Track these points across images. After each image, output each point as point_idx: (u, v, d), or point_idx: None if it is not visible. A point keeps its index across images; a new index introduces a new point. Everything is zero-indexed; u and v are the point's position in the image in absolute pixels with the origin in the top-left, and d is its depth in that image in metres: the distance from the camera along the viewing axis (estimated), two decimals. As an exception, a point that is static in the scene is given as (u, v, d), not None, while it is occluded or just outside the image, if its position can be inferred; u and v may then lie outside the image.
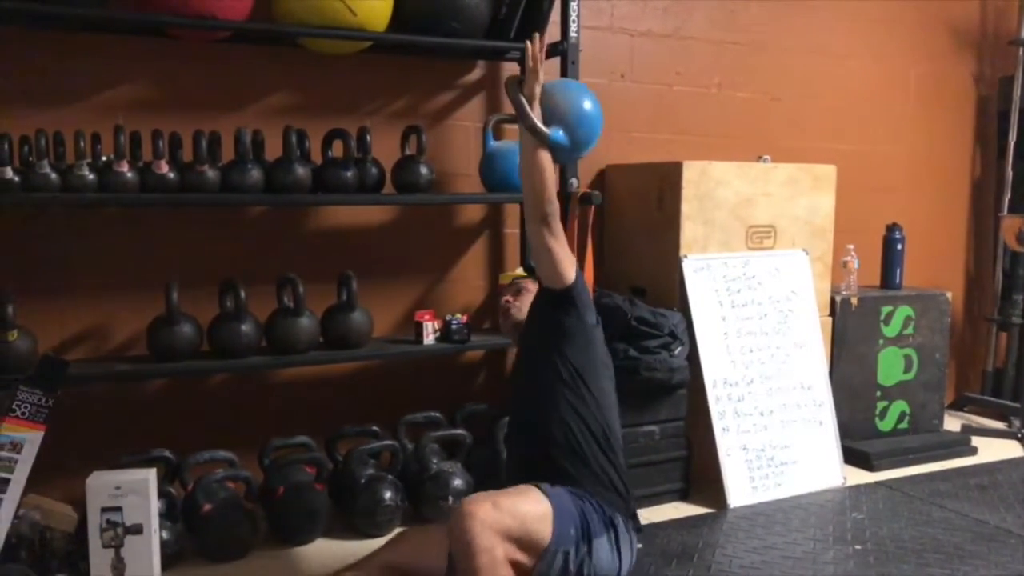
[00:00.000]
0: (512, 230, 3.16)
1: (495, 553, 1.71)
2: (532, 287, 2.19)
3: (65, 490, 2.37)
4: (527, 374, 2.11)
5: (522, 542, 1.78)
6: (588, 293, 2.10)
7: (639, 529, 2.09)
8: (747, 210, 3.02)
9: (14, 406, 2.09)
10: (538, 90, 1.97)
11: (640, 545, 2.11)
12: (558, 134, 1.97)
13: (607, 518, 1.93)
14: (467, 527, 1.71)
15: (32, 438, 2.10)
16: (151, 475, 2.15)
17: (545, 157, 1.96)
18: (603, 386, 2.07)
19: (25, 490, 2.10)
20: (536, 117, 1.95)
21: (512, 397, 2.21)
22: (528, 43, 1.97)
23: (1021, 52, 3.96)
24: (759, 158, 3.22)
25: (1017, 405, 3.73)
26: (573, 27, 2.81)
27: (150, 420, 2.67)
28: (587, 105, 2.04)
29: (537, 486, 1.88)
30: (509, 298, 2.24)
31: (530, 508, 1.81)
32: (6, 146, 2.19)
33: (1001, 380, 4.06)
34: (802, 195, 3.14)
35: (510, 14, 2.78)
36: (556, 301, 2.04)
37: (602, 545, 1.90)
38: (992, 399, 3.97)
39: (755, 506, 2.78)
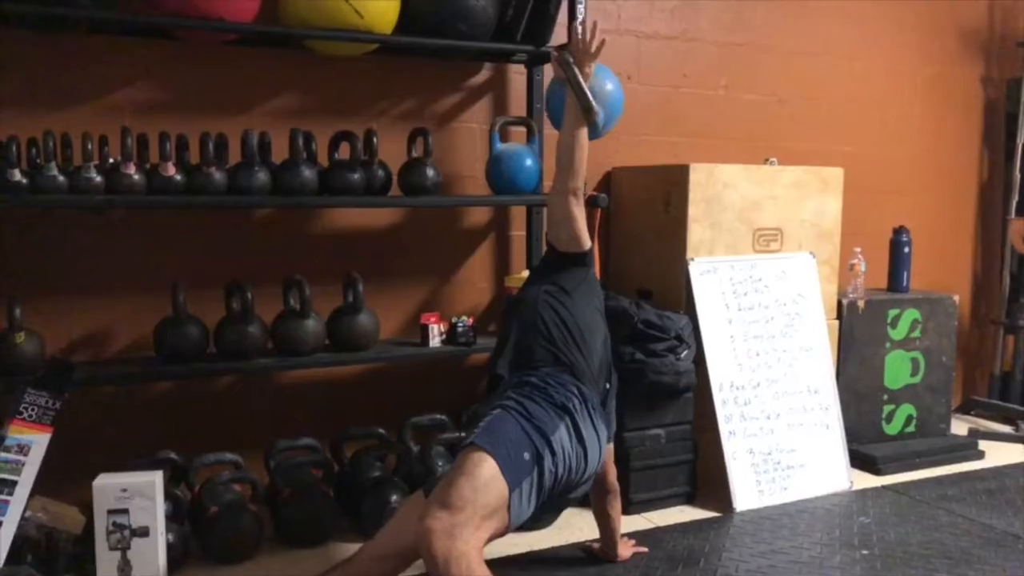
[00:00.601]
0: (518, 232, 3.16)
1: (469, 558, 1.68)
2: None
3: (71, 492, 2.36)
4: (518, 298, 2.27)
5: (488, 512, 1.76)
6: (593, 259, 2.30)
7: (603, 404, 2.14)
8: (754, 213, 3.02)
9: (21, 408, 2.10)
10: (592, 70, 2.16)
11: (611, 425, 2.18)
12: (603, 112, 2.17)
13: (558, 404, 1.95)
14: (431, 544, 1.68)
15: (39, 440, 2.10)
16: (158, 477, 2.15)
17: (584, 134, 2.15)
18: (588, 314, 2.17)
19: (32, 492, 2.10)
20: (591, 95, 2.11)
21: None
22: (582, 26, 2.18)
23: (1029, 54, 3.95)
24: (766, 160, 3.22)
25: (1024, 409, 3.72)
26: (579, 30, 2.79)
27: (156, 422, 2.68)
28: (610, 87, 2.31)
29: (473, 443, 1.83)
30: None
31: (476, 482, 1.76)
32: (14, 148, 2.19)
33: (1008, 384, 4.04)
34: (809, 198, 3.13)
35: (516, 16, 2.78)
36: (572, 259, 2.20)
37: (561, 434, 1.91)
38: (999, 403, 3.95)
39: (761, 510, 2.78)
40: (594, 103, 2.11)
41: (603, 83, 2.26)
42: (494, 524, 1.78)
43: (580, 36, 2.19)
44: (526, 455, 1.83)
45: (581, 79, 2.13)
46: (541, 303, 2.15)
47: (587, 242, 2.21)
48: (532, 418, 1.88)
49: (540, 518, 2.36)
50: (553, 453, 1.87)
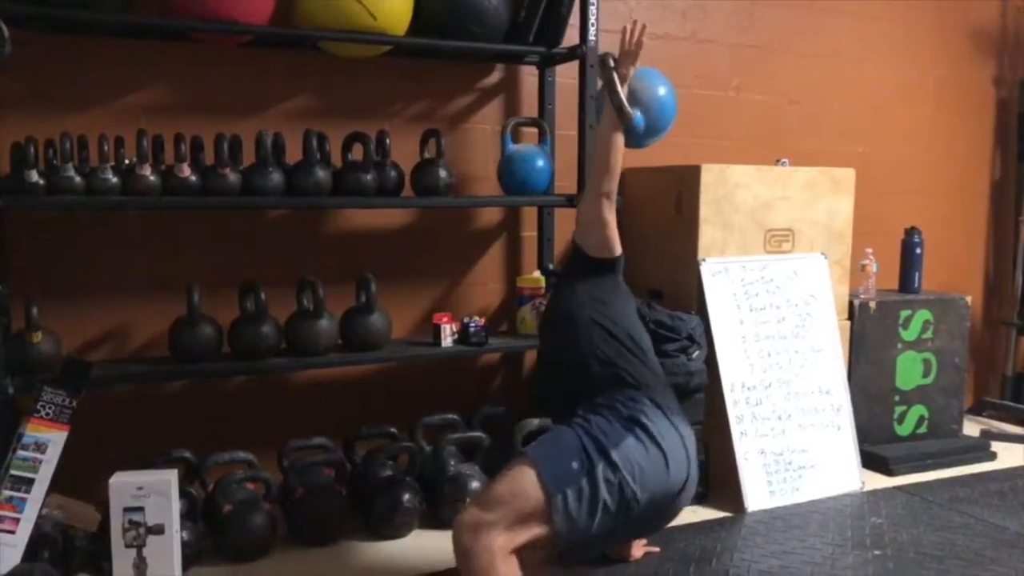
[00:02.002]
0: (530, 233, 3.17)
1: (491, 553, 1.72)
2: None
3: (87, 490, 2.39)
4: (555, 314, 2.22)
5: (521, 517, 1.78)
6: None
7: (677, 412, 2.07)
8: (765, 213, 3.02)
9: (39, 407, 2.12)
10: (632, 72, 2.13)
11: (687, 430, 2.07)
12: (639, 117, 2.11)
13: (627, 417, 1.92)
14: (458, 536, 1.77)
15: (56, 438, 2.12)
16: (173, 476, 2.17)
17: (620, 137, 2.10)
18: (632, 319, 2.17)
19: (48, 489, 2.13)
20: (625, 97, 2.07)
21: (542, 350, 2.35)
22: (627, 26, 2.12)
23: (1042, 55, 3.94)
24: (777, 161, 3.22)
25: (1037, 410, 3.71)
26: (592, 31, 2.81)
27: (171, 420, 2.70)
28: (663, 92, 2.17)
29: (520, 452, 1.90)
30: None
31: (512, 484, 1.80)
32: (32, 150, 2.21)
33: (1021, 384, 4.04)
34: (821, 199, 3.13)
35: (529, 18, 2.79)
36: (602, 265, 2.16)
37: (630, 448, 1.87)
38: (1012, 404, 3.94)
39: (773, 510, 2.78)
40: (626, 105, 2.08)
41: (654, 88, 2.18)
42: (531, 530, 1.79)
43: (625, 36, 2.15)
44: (574, 464, 1.82)
45: (616, 80, 2.09)
46: (588, 323, 2.09)
47: (618, 248, 2.17)
48: (592, 429, 1.88)
49: (643, 531, 2.21)
50: (611, 464, 1.84)
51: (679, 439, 1.95)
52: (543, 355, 2.36)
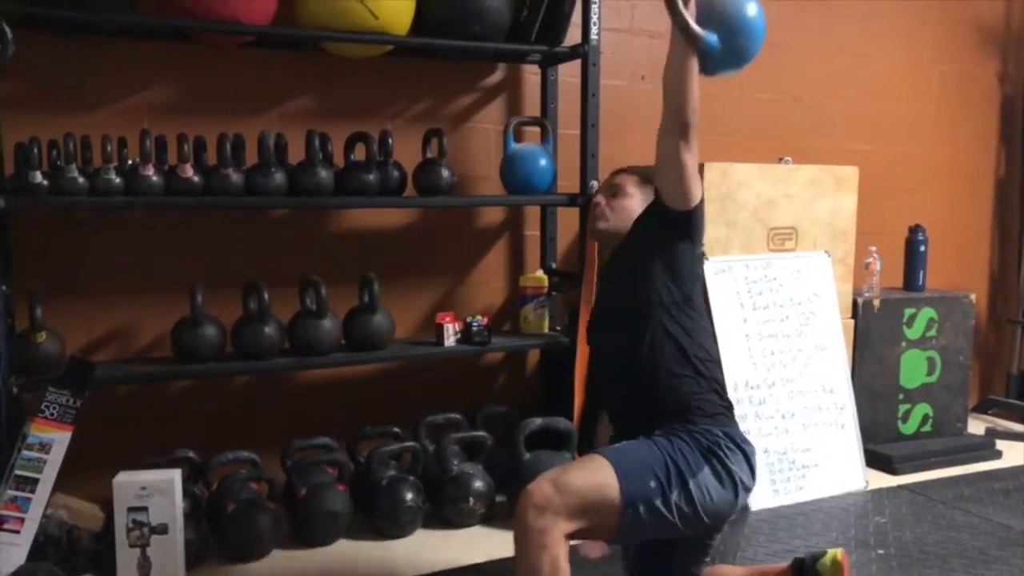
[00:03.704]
0: (532, 232, 3.17)
1: (548, 534, 1.70)
2: (633, 190, 2.04)
3: (91, 489, 2.40)
4: (623, 298, 1.96)
5: (588, 512, 1.76)
6: (704, 220, 1.98)
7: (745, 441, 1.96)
8: (769, 212, 3.01)
9: (43, 407, 2.13)
10: None
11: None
12: (712, 38, 1.77)
13: (706, 447, 1.85)
14: (524, 510, 1.73)
15: (60, 439, 2.13)
16: (176, 476, 2.17)
17: (693, 62, 1.79)
18: (700, 308, 1.99)
19: (53, 489, 2.14)
20: (689, 16, 1.76)
21: (599, 332, 2.09)
22: None
23: (1047, 51, 3.92)
24: (780, 159, 3.21)
25: (1042, 408, 3.70)
26: (594, 29, 2.80)
27: (175, 420, 2.70)
28: (751, 11, 1.83)
29: (601, 452, 1.83)
30: (602, 200, 2.06)
31: (593, 479, 1.77)
32: (36, 151, 2.22)
33: (1026, 383, 4.03)
34: (824, 197, 3.12)
35: (531, 17, 2.78)
36: (675, 223, 1.90)
37: (706, 479, 1.83)
38: (1017, 402, 3.93)
39: (777, 509, 2.77)
40: (691, 24, 1.75)
41: (741, 6, 1.82)
42: (590, 525, 1.77)
43: None
44: (652, 483, 1.79)
45: None
46: (658, 331, 1.90)
47: (695, 196, 1.88)
48: (674, 453, 1.83)
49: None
50: (687, 493, 1.81)
51: (749, 470, 1.92)
52: (599, 347, 2.10)
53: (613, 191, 2.06)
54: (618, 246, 2.02)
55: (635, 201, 2.03)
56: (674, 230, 1.91)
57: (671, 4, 1.76)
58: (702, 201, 1.91)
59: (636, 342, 1.91)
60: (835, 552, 2.07)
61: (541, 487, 1.74)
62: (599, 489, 1.76)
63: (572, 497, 1.73)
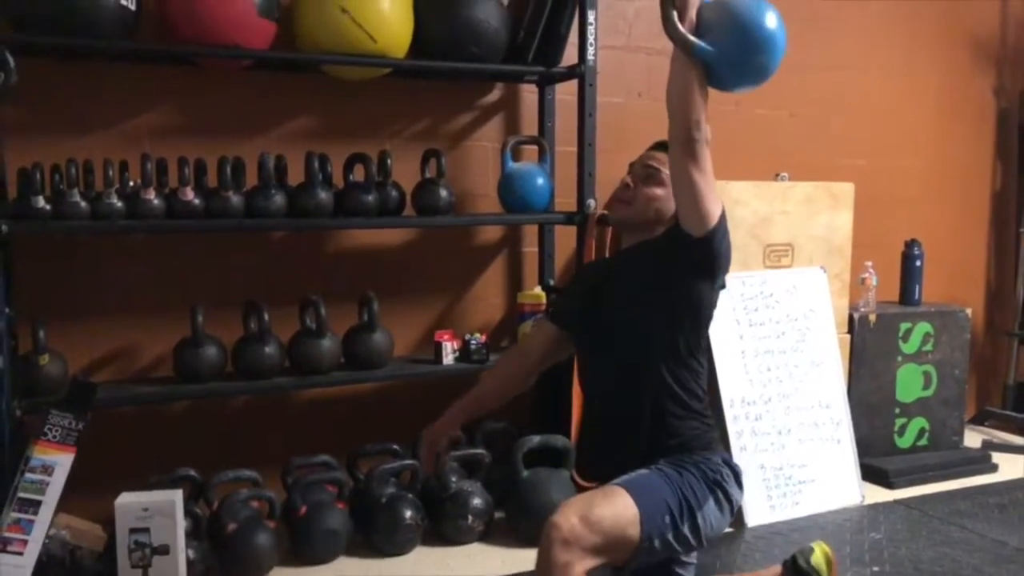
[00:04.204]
0: (530, 249, 3.19)
1: (572, 569, 1.70)
2: (667, 178, 1.86)
3: (94, 508, 2.41)
4: (631, 328, 1.90)
5: (608, 550, 1.76)
6: (729, 240, 1.84)
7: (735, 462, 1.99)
8: (764, 229, 3.04)
9: (46, 429, 2.15)
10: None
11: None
12: (703, 46, 1.70)
13: (711, 479, 1.87)
14: (550, 543, 1.70)
15: (63, 461, 2.15)
16: (178, 496, 2.20)
17: (693, 74, 1.71)
18: (707, 346, 1.96)
19: (55, 510, 2.16)
20: (684, 26, 1.70)
21: (592, 353, 2.01)
22: None
23: (1042, 65, 3.95)
24: (776, 176, 3.24)
25: (1038, 420, 3.72)
26: (590, 50, 2.83)
27: (176, 439, 2.73)
28: (769, 23, 1.73)
29: (622, 485, 1.81)
30: (632, 183, 1.94)
31: (618, 516, 1.76)
32: (38, 176, 2.25)
33: (1022, 394, 4.04)
34: (820, 213, 3.15)
35: (528, 38, 2.81)
36: (695, 254, 1.81)
37: (710, 510, 1.86)
38: (1013, 414, 3.95)
39: (773, 525, 2.79)
40: (681, 29, 1.69)
41: (743, 14, 1.73)
42: (607, 557, 1.78)
43: None
44: (666, 517, 1.81)
45: (670, 7, 1.71)
46: (664, 374, 1.87)
47: (712, 216, 1.77)
48: (683, 486, 1.84)
49: None
50: (695, 525, 1.83)
51: (741, 494, 1.96)
52: (594, 360, 2.02)
53: (647, 174, 1.92)
54: (637, 263, 1.93)
55: (668, 191, 1.87)
56: (694, 264, 1.83)
57: (665, 14, 1.72)
58: (722, 225, 1.81)
59: (637, 378, 1.89)
60: (820, 545, 2.13)
61: (570, 521, 1.71)
62: (624, 527, 1.76)
63: (599, 535, 1.73)
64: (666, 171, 1.86)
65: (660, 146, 1.92)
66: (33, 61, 2.35)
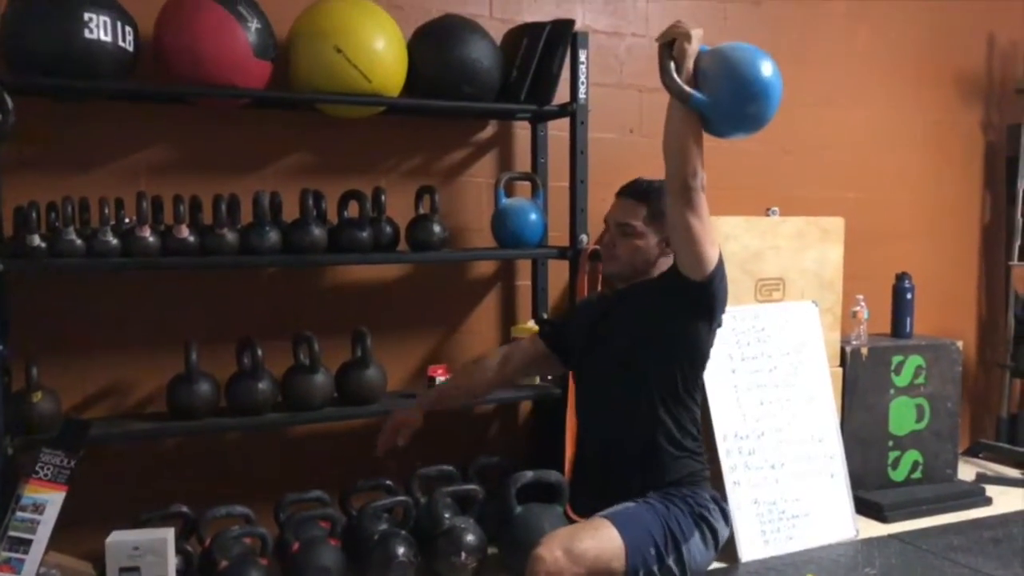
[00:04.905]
0: (524, 282, 3.21)
1: None
2: (642, 228, 1.95)
3: (85, 544, 2.41)
4: (629, 371, 1.94)
5: None
6: (726, 283, 1.90)
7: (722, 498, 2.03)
8: (756, 264, 3.06)
9: (37, 467, 2.15)
10: (689, 49, 1.74)
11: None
12: (699, 97, 1.73)
13: (697, 513, 1.90)
14: (534, 574, 1.72)
15: (54, 499, 2.15)
16: (169, 535, 2.20)
17: (688, 124, 1.75)
18: (702, 384, 2.01)
19: (46, 548, 2.15)
20: (680, 77, 1.74)
21: (589, 390, 2.07)
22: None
23: (1028, 100, 4.00)
24: (767, 211, 3.27)
25: (1032, 453, 3.72)
26: (582, 88, 2.87)
27: (168, 475, 2.72)
28: (764, 72, 1.75)
29: (608, 517, 1.84)
30: (612, 241, 2.01)
31: (602, 549, 1.78)
32: (34, 214, 2.27)
33: (1016, 426, 4.04)
34: (810, 248, 3.18)
35: (520, 77, 2.85)
36: (693, 297, 1.86)
37: (695, 544, 1.88)
38: (1007, 446, 3.95)
39: (767, 560, 2.79)
40: (677, 79, 1.73)
41: (738, 65, 1.75)
42: None
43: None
44: (652, 550, 1.82)
45: (667, 59, 1.75)
46: (660, 413, 1.91)
47: (709, 263, 1.82)
48: (669, 519, 1.86)
49: None
50: (680, 559, 1.85)
51: (727, 529, 1.98)
52: (591, 398, 2.08)
53: (622, 232, 1.98)
54: (636, 303, 1.98)
55: (648, 240, 1.96)
56: (693, 306, 1.87)
57: (662, 66, 1.76)
58: (720, 269, 1.85)
59: (634, 416, 1.92)
60: None
61: (554, 554, 1.73)
62: (608, 560, 1.78)
63: (583, 568, 1.74)
64: (637, 222, 1.95)
65: (625, 192, 2.02)
66: (30, 100, 2.38)
